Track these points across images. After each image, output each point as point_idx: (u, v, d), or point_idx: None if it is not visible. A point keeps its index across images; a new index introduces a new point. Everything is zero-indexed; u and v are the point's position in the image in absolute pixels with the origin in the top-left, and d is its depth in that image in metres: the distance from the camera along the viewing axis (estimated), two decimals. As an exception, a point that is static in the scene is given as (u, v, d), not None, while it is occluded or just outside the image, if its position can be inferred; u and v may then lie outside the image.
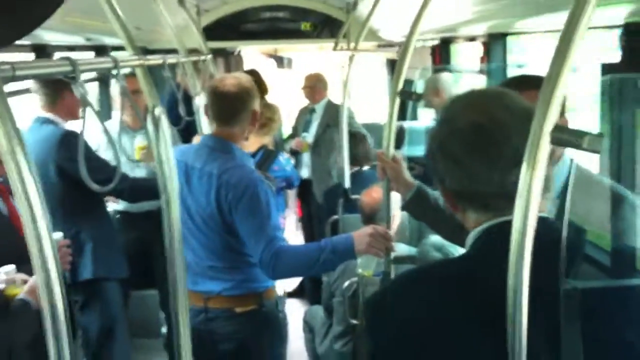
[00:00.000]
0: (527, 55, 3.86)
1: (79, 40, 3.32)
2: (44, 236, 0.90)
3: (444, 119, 1.10)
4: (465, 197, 1.07)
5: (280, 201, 3.90)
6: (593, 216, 1.40)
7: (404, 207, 1.99)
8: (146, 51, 4.21)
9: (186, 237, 2.20)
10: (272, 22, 5.06)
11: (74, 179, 2.65)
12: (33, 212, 0.89)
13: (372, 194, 3.05)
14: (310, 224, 5.40)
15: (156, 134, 1.54)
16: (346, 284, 2.88)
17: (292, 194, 6.08)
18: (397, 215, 2.83)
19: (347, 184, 4.04)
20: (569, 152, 1.65)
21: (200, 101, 2.95)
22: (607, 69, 1.90)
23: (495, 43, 3.39)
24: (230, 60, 6.98)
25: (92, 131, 3.16)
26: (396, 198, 2.09)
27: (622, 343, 1.01)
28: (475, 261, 1.06)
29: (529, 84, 1.41)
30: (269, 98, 4.63)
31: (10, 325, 1.86)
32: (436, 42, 4.49)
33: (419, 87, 4.41)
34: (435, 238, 2.37)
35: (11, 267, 1.97)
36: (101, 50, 3.69)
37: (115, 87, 3.54)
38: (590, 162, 1.85)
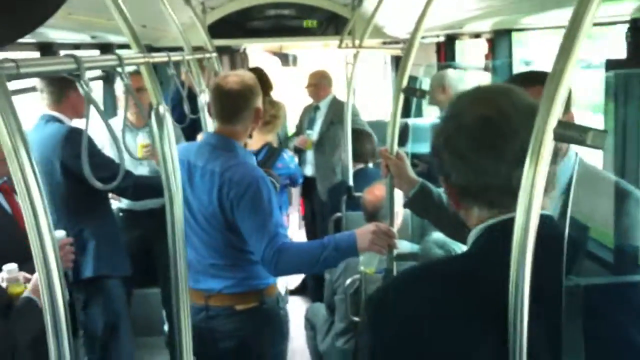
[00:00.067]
0: (532, 52, 3.85)
1: (84, 38, 3.32)
2: (45, 234, 0.90)
3: (450, 114, 1.10)
4: (470, 193, 1.06)
5: (283, 199, 3.90)
6: (596, 212, 1.39)
7: (406, 205, 1.99)
8: (151, 49, 4.22)
9: (188, 235, 2.21)
10: (277, 20, 5.06)
11: (78, 176, 2.65)
12: (35, 209, 0.89)
13: (375, 192, 3.04)
14: (314, 222, 5.40)
15: (160, 132, 1.54)
16: (348, 281, 2.87)
17: (295, 191, 6.08)
18: (400, 213, 2.82)
19: (350, 181, 4.03)
20: (575, 147, 1.65)
21: (204, 99, 2.95)
22: (611, 64, 1.89)
23: (500, 39, 3.38)
24: (236, 58, 6.98)
25: (97, 129, 3.16)
26: (399, 195, 2.09)
27: (624, 340, 1.01)
28: (478, 258, 1.05)
29: (535, 80, 1.41)
30: (274, 95, 4.63)
31: (14, 323, 1.86)
32: (441, 39, 4.47)
33: (424, 84, 4.40)
34: (437, 235, 2.37)
35: (13, 266, 1.97)
36: (106, 48, 3.69)
37: (119, 85, 3.54)
38: (595, 158, 1.84)
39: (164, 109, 1.55)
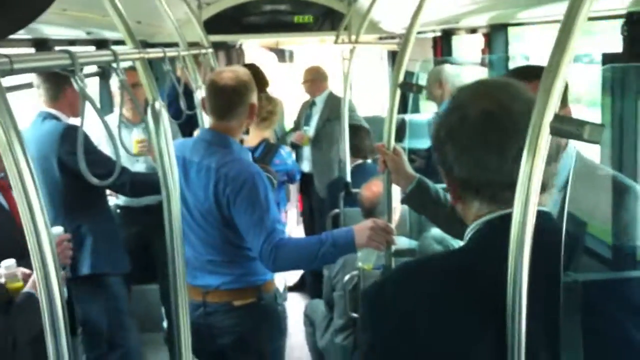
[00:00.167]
0: (531, 46, 3.85)
1: (79, 34, 3.31)
2: (41, 230, 0.90)
3: (453, 106, 1.09)
4: (472, 187, 1.06)
5: (281, 195, 3.90)
6: (595, 207, 1.39)
7: (404, 200, 1.98)
8: (146, 45, 4.21)
9: (185, 232, 2.20)
10: (273, 15, 5.04)
11: (75, 173, 2.65)
12: (31, 205, 0.89)
13: (372, 188, 3.04)
14: (311, 218, 5.40)
15: (156, 128, 1.54)
16: (347, 277, 2.87)
17: (293, 187, 6.08)
18: (398, 208, 2.82)
19: (348, 177, 4.03)
20: (574, 142, 1.64)
21: (201, 95, 2.94)
22: (608, 58, 1.89)
23: (496, 34, 3.37)
24: (232, 54, 6.96)
25: (93, 126, 3.16)
26: (397, 191, 2.09)
27: (622, 335, 1.01)
28: (475, 253, 1.05)
29: (533, 74, 1.40)
30: (271, 91, 4.62)
31: (15, 318, 1.86)
32: (437, 34, 4.47)
33: (420, 79, 4.39)
34: (436, 231, 2.36)
35: (12, 261, 1.97)
36: (102, 45, 3.68)
37: (115, 81, 3.53)
38: (592, 152, 1.84)
39: (160, 104, 1.55)
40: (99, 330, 3.08)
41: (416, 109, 5.17)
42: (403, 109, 4.74)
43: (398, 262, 2.09)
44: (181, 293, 1.58)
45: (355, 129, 4.30)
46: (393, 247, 2.07)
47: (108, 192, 3.36)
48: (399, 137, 2.38)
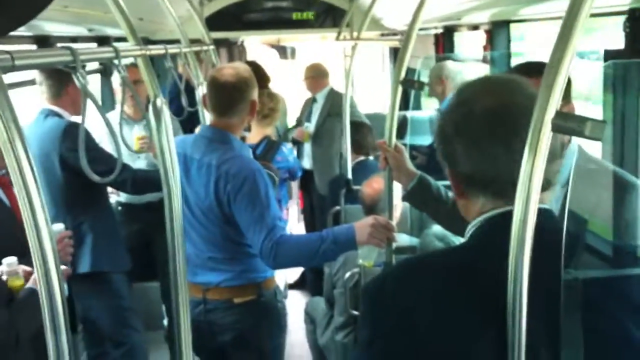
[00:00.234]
0: (529, 45, 3.84)
1: (81, 31, 3.31)
2: (42, 227, 0.90)
3: (458, 102, 1.08)
4: (477, 182, 1.05)
5: (283, 192, 3.90)
6: (597, 204, 1.38)
7: (405, 197, 1.98)
8: (148, 42, 4.20)
9: (185, 229, 2.20)
10: (274, 12, 5.04)
11: (76, 170, 2.65)
12: (32, 202, 0.89)
13: (373, 185, 3.04)
14: (312, 215, 5.39)
15: (158, 125, 1.54)
16: (347, 274, 2.87)
17: (294, 184, 6.08)
18: (399, 206, 2.82)
19: (349, 174, 4.03)
20: (576, 138, 1.64)
21: (202, 92, 2.94)
22: (610, 55, 1.89)
23: (498, 31, 3.37)
24: (233, 51, 6.96)
25: (95, 123, 3.16)
26: (398, 188, 2.09)
27: (623, 333, 1.01)
28: (477, 250, 1.05)
29: (537, 70, 1.40)
30: (273, 88, 4.61)
31: (18, 313, 1.86)
32: (439, 31, 4.46)
33: (422, 76, 4.39)
34: (437, 228, 2.36)
35: (13, 259, 1.97)
36: (103, 41, 3.68)
37: (117, 78, 3.53)
38: (594, 148, 1.84)
39: (161, 101, 1.54)
40: (100, 328, 3.08)
41: (417, 106, 5.16)
42: (404, 105, 4.73)
43: (399, 259, 2.09)
44: (182, 291, 1.58)
45: (358, 126, 4.30)
46: (394, 245, 2.07)
47: (110, 189, 3.36)
48: (400, 134, 2.38)
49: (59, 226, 2.29)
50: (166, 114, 1.55)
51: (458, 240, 1.97)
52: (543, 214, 0.94)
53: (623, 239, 1.30)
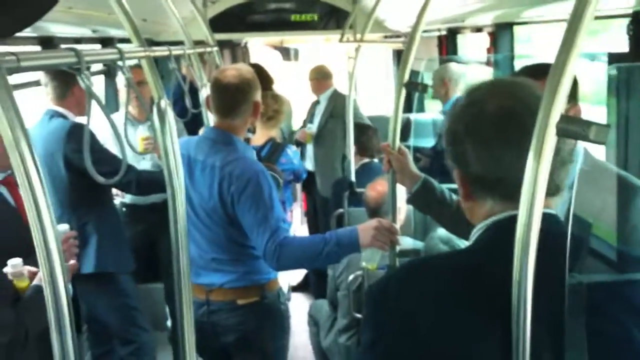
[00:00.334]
0: (535, 47, 3.84)
1: (85, 32, 3.32)
2: (47, 228, 0.90)
3: (469, 102, 1.07)
4: (487, 184, 1.04)
5: (287, 195, 3.90)
6: (603, 208, 1.38)
7: (409, 200, 1.98)
8: (152, 43, 4.21)
9: (189, 230, 2.20)
10: (278, 13, 5.05)
11: (81, 171, 2.66)
12: (37, 203, 0.89)
13: (377, 187, 3.04)
14: (316, 217, 5.39)
15: (162, 127, 1.54)
16: (351, 277, 2.87)
17: (297, 187, 6.08)
18: (403, 208, 2.82)
19: (352, 176, 4.03)
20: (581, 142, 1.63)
21: (206, 93, 2.95)
22: (614, 58, 1.88)
23: (502, 33, 3.36)
24: (237, 52, 6.97)
25: (99, 124, 3.16)
26: (402, 191, 2.09)
27: (627, 338, 1.00)
28: (482, 254, 1.05)
29: (544, 72, 1.40)
30: (277, 90, 4.62)
31: (26, 311, 1.86)
32: (443, 33, 4.46)
33: (425, 78, 4.39)
34: (442, 231, 2.36)
35: (18, 260, 1.97)
36: (107, 43, 3.69)
37: (121, 79, 3.54)
38: (598, 152, 1.83)
39: (165, 103, 1.55)
40: (105, 328, 3.09)
41: (421, 108, 5.16)
42: (408, 108, 4.73)
43: (402, 262, 2.08)
44: (185, 292, 1.58)
45: (363, 128, 4.30)
46: (397, 248, 2.07)
47: (114, 191, 3.37)
48: (404, 136, 2.37)
49: (64, 226, 2.30)
50: (170, 115, 1.56)
51: (463, 243, 1.97)
52: (548, 219, 0.94)
53: (628, 243, 1.30)
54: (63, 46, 3.06)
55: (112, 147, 3.09)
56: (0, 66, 0.86)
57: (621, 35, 1.90)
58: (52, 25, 2.76)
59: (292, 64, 8.57)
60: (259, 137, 3.60)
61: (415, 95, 4.71)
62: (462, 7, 3.06)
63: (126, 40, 3.11)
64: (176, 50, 2.33)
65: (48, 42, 2.94)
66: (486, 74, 3.68)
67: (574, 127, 0.79)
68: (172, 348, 3.58)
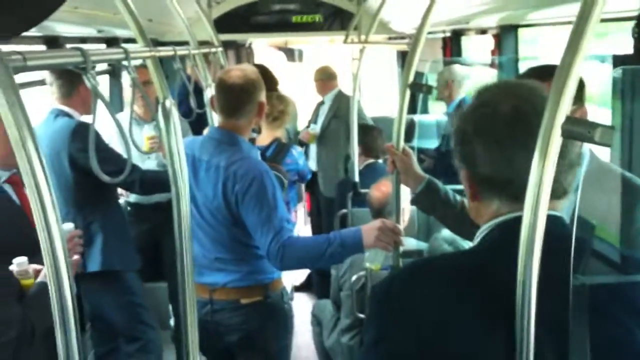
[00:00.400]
0: (542, 49, 3.83)
1: (90, 32, 3.33)
2: (53, 226, 0.90)
3: (481, 102, 1.08)
4: (496, 184, 1.04)
5: (292, 195, 3.90)
6: (609, 210, 1.37)
7: (413, 201, 1.98)
8: (157, 43, 4.22)
9: (193, 230, 2.21)
10: (282, 14, 5.06)
11: (86, 170, 2.66)
12: (42, 201, 0.90)
13: (381, 188, 3.04)
14: (319, 217, 5.40)
15: (167, 127, 1.55)
16: (354, 277, 2.87)
17: (303, 187, 6.08)
18: (407, 209, 2.82)
19: (356, 177, 4.03)
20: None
21: (210, 93, 2.95)
22: (619, 60, 1.88)
23: (506, 35, 3.36)
24: (241, 53, 6.98)
25: (105, 123, 3.17)
26: (406, 192, 2.09)
27: (630, 339, 1.00)
28: (486, 255, 1.05)
29: (549, 73, 1.40)
30: (282, 91, 4.63)
31: (31, 307, 1.87)
32: (447, 35, 4.46)
33: (429, 79, 4.39)
34: (446, 232, 2.36)
35: (24, 259, 1.98)
36: (113, 43, 3.70)
37: (127, 79, 3.55)
38: (603, 154, 1.83)
39: (170, 103, 1.55)
40: (111, 326, 3.10)
41: (425, 110, 5.16)
42: (412, 109, 4.73)
43: (406, 263, 2.08)
44: (189, 291, 1.58)
45: (368, 128, 4.31)
46: (401, 248, 2.07)
47: (119, 190, 3.38)
48: (408, 137, 2.37)
49: (69, 225, 2.30)
50: (175, 115, 1.56)
51: (467, 244, 1.97)
52: (553, 221, 0.94)
53: (634, 245, 1.29)
54: (69, 46, 3.07)
55: (117, 146, 3.10)
56: (7, 65, 0.87)
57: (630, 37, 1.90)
58: (58, 25, 2.77)
59: (296, 65, 8.58)
60: (265, 138, 3.61)
61: (420, 97, 4.71)
62: (466, 9, 3.06)
63: (130, 41, 3.12)
64: (181, 51, 2.34)
65: (53, 42, 2.95)
66: (491, 76, 3.68)
67: (579, 129, 0.79)
68: (175, 347, 3.58)
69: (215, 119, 3.05)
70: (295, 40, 7.60)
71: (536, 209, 0.84)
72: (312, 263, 2.49)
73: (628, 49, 1.91)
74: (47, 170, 0.91)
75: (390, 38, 5.25)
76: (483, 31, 3.81)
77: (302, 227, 6.28)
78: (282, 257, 2.13)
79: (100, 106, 1.21)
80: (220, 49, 3.49)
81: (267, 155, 3.50)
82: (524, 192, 0.86)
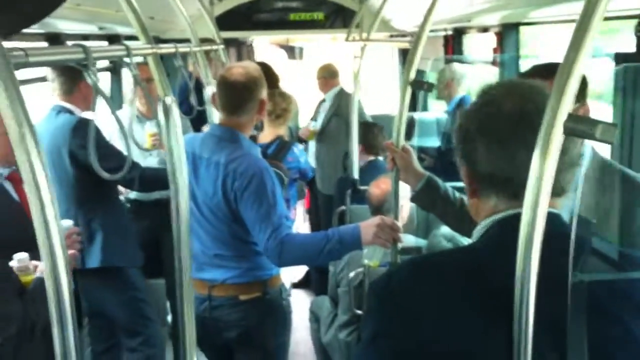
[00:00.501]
0: (545, 46, 3.83)
1: (92, 29, 3.33)
2: (51, 223, 0.90)
3: (485, 101, 1.08)
4: (496, 182, 1.05)
5: (292, 192, 3.90)
6: (609, 207, 1.37)
7: (413, 198, 1.98)
8: (159, 40, 4.22)
9: (193, 226, 2.21)
10: (284, 12, 5.06)
11: (86, 166, 2.67)
12: (41, 198, 0.89)
13: (381, 185, 3.04)
14: (317, 215, 5.41)
15: (167, 124, 1.54)
16: (352, 274, 2.87)
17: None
18: (406, 206, 2.82)
19: (355, 174, 4.03)
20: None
21: (212, 91, 2.95)
22: (621, 58, 1.88)
23: (508, 33, 3.36)
24: (242, 50, 6.98)
25: (105, 120, 3.17)
26: (405, 189, 2.09)
27: (628, 337, 1.00)
28: (484, 251, 1.05)
29: (552, 71, 1.39)
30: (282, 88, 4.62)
31: (30, 303, 1.87)
32: (449, 33, 4.45)
33: (431, 77, 4.38)
34: (445, 229, 2.36)
35: (24, 255, 1.98)
36: (114, 40, 3.70)
37: (126, 76, 3.55)
38: (604, 151, 1.83)
39: (171, 100, 1.55)
40: (111, 322, 3.10)
41: (425, 108, 5.16)
42: (412, 107, 4.73)
43: (404, 260, 2.08)
44: (186, 288, 1.58)
45: (369, 126, 4.31)
46: (399, 245, 2.07)
47: (119, 187, 3.38)
48: (408, 135, 2.37)
49: (68, 222, 2.30)
50: (175, 112, 1.56)
51: (467, 241, 1.97)
52: (552, 219, 0.94)
53: (635, 242, 1.29)
54: (70, 43, 3.07)
55: (118, 142, 3.10)
56: (9, 61, 0.86)
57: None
58: (60, 22, 2.76)
59: (297, 63, 8.58)
60: (267, 135, 3.61)
61: (420, 95, 4.71)
62: (468, 7, 3.05)
63: (132, 38, 3.11)
64: (183, 48, 2.34)
65: (55, 39, 2.95)
66: (492, 74, 3.67)
67: (581, 126, 0.79)
68: (173, 344, 3.58)
69: (215, 116, 3.05)
70: (296, 38, 7.60)
71: (536, 206, 0.84)
72: (310, 260, 2.49)
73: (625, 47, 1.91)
74: (48, 166, 0.91)
75: (392, 36, 5.24)
76: (485, 29, 3.81)
77: (300, 224, 6.29)
78: (280, 253, 2.13)
79: (102, 103, 1.21)
80: (221, 46, 3.49)
81: (269, 153, 3.50)
82: (523, 190, 0.87)
